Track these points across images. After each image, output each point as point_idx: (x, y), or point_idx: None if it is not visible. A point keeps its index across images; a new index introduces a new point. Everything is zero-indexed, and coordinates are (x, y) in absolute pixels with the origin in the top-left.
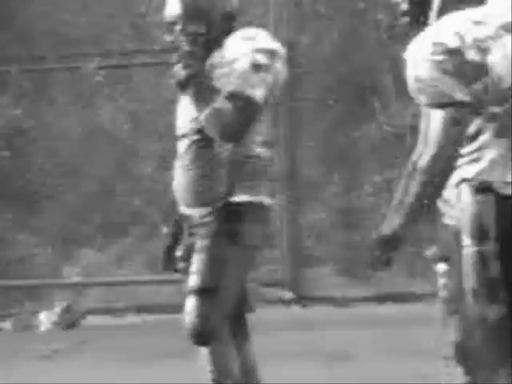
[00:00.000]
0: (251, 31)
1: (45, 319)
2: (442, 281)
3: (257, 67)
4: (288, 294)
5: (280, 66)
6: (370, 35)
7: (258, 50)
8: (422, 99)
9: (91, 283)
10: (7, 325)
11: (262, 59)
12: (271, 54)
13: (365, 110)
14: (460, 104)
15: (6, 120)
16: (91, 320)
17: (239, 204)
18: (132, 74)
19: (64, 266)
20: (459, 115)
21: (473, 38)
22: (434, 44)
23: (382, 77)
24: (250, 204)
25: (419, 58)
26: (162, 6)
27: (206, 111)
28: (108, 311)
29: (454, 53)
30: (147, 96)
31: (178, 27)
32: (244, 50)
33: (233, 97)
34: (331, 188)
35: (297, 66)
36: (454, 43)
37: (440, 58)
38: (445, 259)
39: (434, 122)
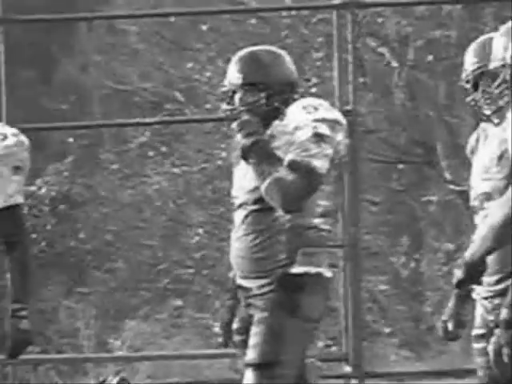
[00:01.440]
0: (313, 101)
1: None
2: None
3: (319, 137)
4: (348, 369)
5: (341, 137)
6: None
7: (320, 120)
8: None
9: (143, 357)
10: None
11: (324, 130)
12: (333, 124)
13: (433, 172)
14: None
15: (57, 188)
16: None
17: (299, 275)
18: (181, 144)
19: (111, 339)
20: None
21: None
22: None
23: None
24: (310, 275)
25: None
26: (221, 75)
27: (268, 180)
28: None
29: None
30: (196, 163)
31: (238, 96)
32: (306, 120)
33: (294, 166)
34: (395, 257)
35: (361, 125)
36: None
37: None
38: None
39: None
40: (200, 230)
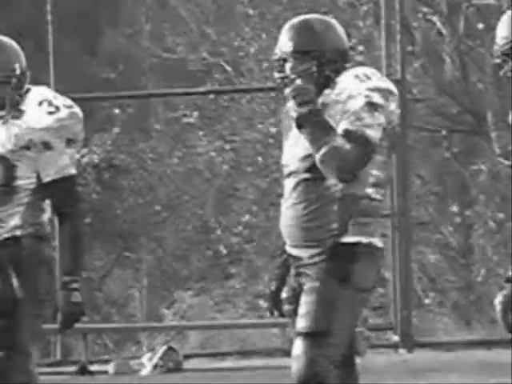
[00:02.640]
0: (365, 70)
1: (146, 363)
2: None
3: (372, 106)
4: (396, 339)
5: (393, 106)
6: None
7: (374, 90)
8: None
9: (192, 326)
10: (110, 368)
11: (377, 99)
12: (386, 93)
13: (483, 142)
14: None
15: (103, 155)
16: (193, 363)
17: (351, 244)
18: (230, 111)
19: (163, 309)
20: None
21: None
22: None
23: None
24: (362, 245)
25: None
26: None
27: (323, 150)
28: (210, 355)
29: None
30: (244, 132)
31: (289, 65)
32: (359, 89)
33: (348, 135)
34: (445, 226)
35: (409, 93)
36: None
37: None
38: None
39: None
40: (250, 199)
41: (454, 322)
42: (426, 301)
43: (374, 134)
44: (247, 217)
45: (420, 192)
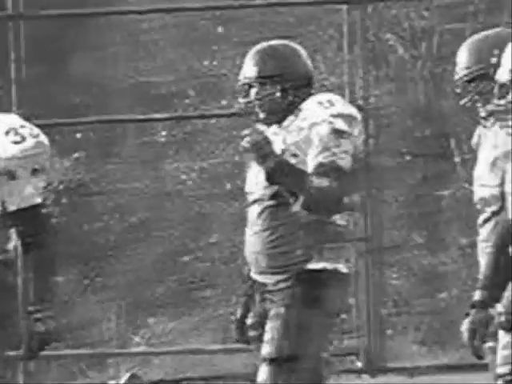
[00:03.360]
0: (328, 96)
1: None
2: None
3: (337, 133)
4: (359, 364)
5: (358, 132)
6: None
7: (337, 116)
8: None
9: (159, 352)
10: None
11: (341, 125)
12: (349, 119)
13: (449, 165)
14: None
15: (71, 178)
16: None
17: (317, 271)
18: (201, 134)
19: (131, 334)
20: None
21: None
22: None
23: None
24: (327, 271)
25: None
26: (237, 68)
27: (304, 196)
28: (174, 381)
29: None
30: (217, 156)
31: (254, 90)
32: (323, 116)
33: (323, 169)
34: (414, 251)
35: (377, 119)
36: None
37: None
38: None
39: None
40: (217, 225)
41: (418, 347)
42: (391, 325)
43: (344, 162)
44: (217, 242)
45: (387, 217)
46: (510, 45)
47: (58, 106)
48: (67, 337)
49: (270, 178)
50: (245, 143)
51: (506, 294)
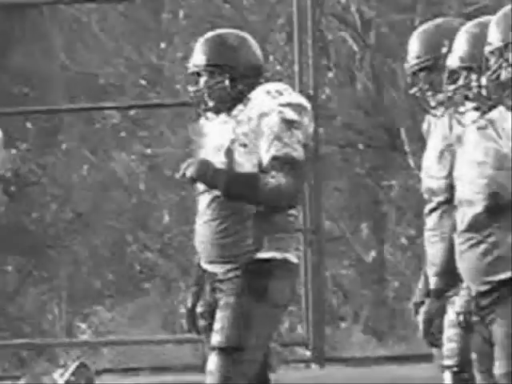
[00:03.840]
0: (277, 85)
1: (58, 379)
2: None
3: (288, 123)
4: (308, 354)
5: (307, 120)
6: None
7: (286, 105)
8: None
9: (106, 342)
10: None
11: (290, 115)
12: (299, 108)
13: (397, 156)
14: None
15: (16, 168)
16: (105, 379)
17: (266, 260)
18: (150, 122)
19: (76, 324)
20: None
21: None
22: None
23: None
24: (277, 260)
25: None
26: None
27: (263, 195)
28: (122, 371)
29: None
30: (164, 144)
31: (203, 79)
32: (271, 106)
33: (278, 163)
34: (358, 242)
35: (324, 109)
36: None
37: None
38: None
39: None
40: (166, 214)
41: (367, 337)
42: (340, 316)
43: (297, 153)
44: (164, 231)
45: (333, 207)
46: (461, 32)
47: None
48: (10, 327)
49: (228, 196)
50: (189, 175)
51: (462, 292)
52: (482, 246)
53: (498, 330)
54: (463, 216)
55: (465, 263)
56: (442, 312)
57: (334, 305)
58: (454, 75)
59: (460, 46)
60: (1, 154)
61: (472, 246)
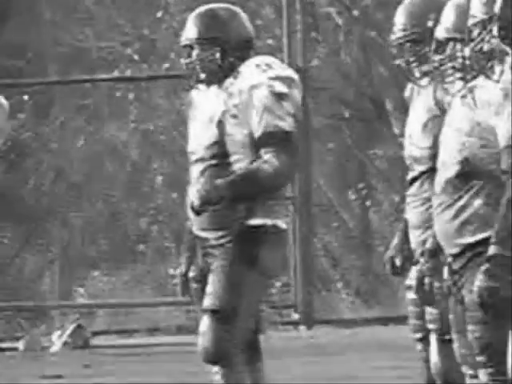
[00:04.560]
0: (265, 59)
1: (56, 340)
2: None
3: (277, 96)
4: (296, 317)
5: (297, 92)
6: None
7: (275, 78)
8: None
9: (101, 305)
10: (20, 345)
11: (280, 88)
12: (288, 81)
13: (383, 127)
14: None
15: (15, 139)
16: (100, 340)
17: (257, 227)
18: (143, 97)
19: (73, 288)
20: None
21: None
22: None
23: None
24: (267, 227)
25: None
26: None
27: (264, 181)
28: (117, 332)
29: None
30: (158, 116)
31: (195, 52)
32: (261, 79)
33: (270, 137)
34: (348, 209)
35: (312, 80)
36: None
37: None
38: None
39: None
40: (159, 180)
41: (353, 300)
42: (328, 280)
43: (288, 124)
44: (157, 200)
45: (321, 176)
46: (448, 4)
47: None
48: (9, 292)
49: (239, 202)
50: (197, 210)
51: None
52: (452, 210)
53: (468, 295)
54: (439, 179)
55: (438, 225)
56: (434, 272)
57: (322, 270)
58: (440, 46)
59: (447, 17)
60: (7, 125)
61: (444, 209)
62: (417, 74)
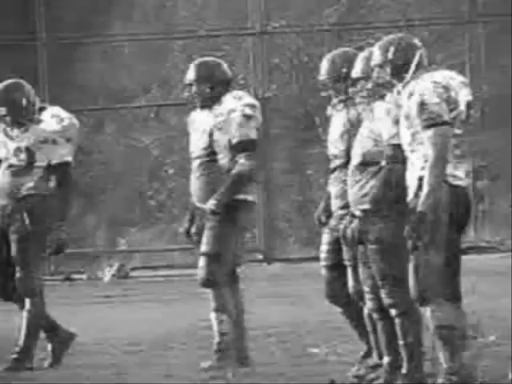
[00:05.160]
0: (239, 92)
1: (107, 273)
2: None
3: (247, 117)
4: (260, 257)
5: (258, 114)
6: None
7: (246, 105)
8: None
9: (136, 250)
10: (84, 276)
11: (249, 111)
12: (253, 107)
13: (315, 134)
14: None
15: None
16: (136, 274)
17: (236, 200)
18: (160, 117)
19: (117, 239)
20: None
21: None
22: (434, 81)
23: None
24: (241, 200)
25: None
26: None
27: (244, 183)
28: (148, 268)
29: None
30: (172, 130)
31: (194, 88)
32: (236, 105)
33: (242, 144)
34: (294, 187)
35: (270, 103)
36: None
37: (439, 90)
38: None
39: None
40: (172, 171)
41: (303, 244)
42: (283, 232)
43: (254, 134)
44: (171, 183)
45: (278, 166)
46: (359, 56)
47: None
48: (79, 241)
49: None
50: (213, 209)
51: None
52: (358, 186)
53: (370, 238)
54: (351, 166)
55: (350, 196)
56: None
57: (278, 226)
58: (355, 82)
59: (358, 64)
60: (79, 137)
61: (353, 185)
62: (335, 101)
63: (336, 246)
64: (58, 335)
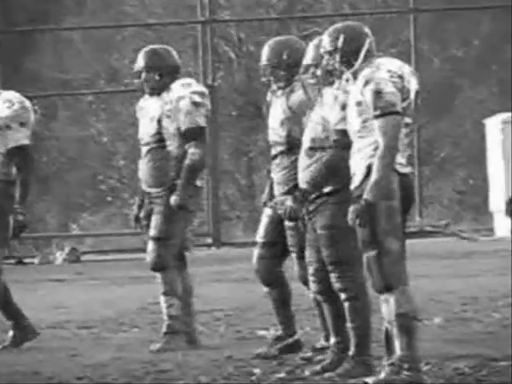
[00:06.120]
0: (187, 80)
1: (58, 257)
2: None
3: (196, 104)
4: (209, 240)
5: (207, 102)
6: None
7: (194, 92)
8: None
9: (87, 235)
10: (36, 260)
11: (197, 98)
12: (202, 94)
13: (260, 122)
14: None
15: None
16: (87, 257)
17: None
18: (110, 105)
19: (70, 224)
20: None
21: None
22: (390, 70)
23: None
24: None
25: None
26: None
27: (199, 172)
28: (99, 252)
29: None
30: (121, 117)
31: (143, 75)
32: (184, 93)
33: (191, 132)
34: (239, 173)
35: (217, 91)
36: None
37: (395, 79)
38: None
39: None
40: (122, 157)
41: (247, 230)
42: (229, 217)
43: (202, 121)
44: (122, 169)
45: (225, 153)
46: (310, 43)
47: None
48: (32, 226)
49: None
50: (177, 204)
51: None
52: (309, 169)
53: (318, 222)
54: (301, 150)
55: (300, 178)
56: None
57: (224, 211)
58: (306, 68)
59: (308, 52)
60: (33, 122)
61: (304, 169)
62: (274, 87)
63: (274, 226)
64: (21, 324)
